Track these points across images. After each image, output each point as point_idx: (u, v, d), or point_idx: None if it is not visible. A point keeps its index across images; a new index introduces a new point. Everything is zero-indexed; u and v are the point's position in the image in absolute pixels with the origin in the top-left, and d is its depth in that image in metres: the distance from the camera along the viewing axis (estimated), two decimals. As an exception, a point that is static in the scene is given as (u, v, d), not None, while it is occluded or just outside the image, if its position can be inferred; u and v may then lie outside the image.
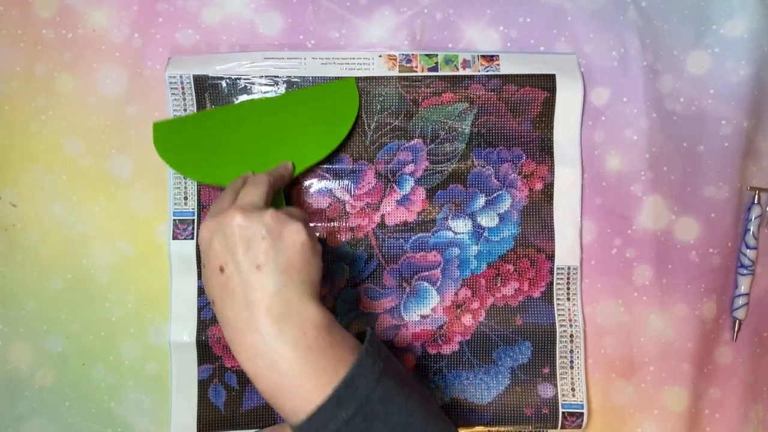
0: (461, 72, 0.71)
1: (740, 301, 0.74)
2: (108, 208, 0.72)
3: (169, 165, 0.69)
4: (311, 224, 0.72)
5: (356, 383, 0.48)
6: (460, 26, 0.73)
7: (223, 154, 0.68)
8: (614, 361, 0.74)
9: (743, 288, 0.74)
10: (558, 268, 0.73)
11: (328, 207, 0.72)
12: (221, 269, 0.52)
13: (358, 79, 0.71)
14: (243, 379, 0.72)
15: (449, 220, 0.72)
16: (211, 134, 0.69)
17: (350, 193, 0.72)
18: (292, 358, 0.49)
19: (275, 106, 0.70)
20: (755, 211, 0.73)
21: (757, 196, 0.74)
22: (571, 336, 0.73)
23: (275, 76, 0.70)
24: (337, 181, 0.72)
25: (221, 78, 0.70)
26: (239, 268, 0.51)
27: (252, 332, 0.50)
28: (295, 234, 0.53)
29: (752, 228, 0.73)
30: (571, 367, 0.73)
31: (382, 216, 0.72)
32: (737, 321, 0.74)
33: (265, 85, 0.70)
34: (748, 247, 0.74)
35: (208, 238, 0.54)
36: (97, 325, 0.73)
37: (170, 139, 0.69)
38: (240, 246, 0.52)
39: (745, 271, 0.74)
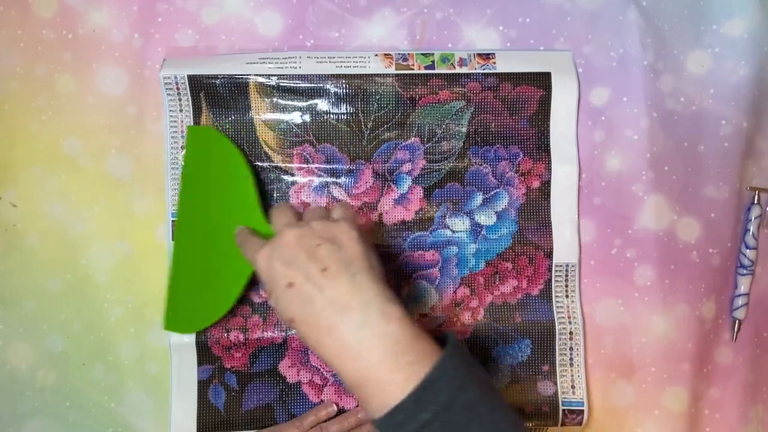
0: (458, 70, 0.71)
1: (740, 301, 0.74)
2: (108, 208, 0.72)
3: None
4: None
5: (437, 386, 0.48)
6: (460, 26, 0.73)
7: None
8: (614, 362, 0.74)
9: (743, 288, 0.74)
10: (556, 266, 0.73)
11: (325, 207, 0.72)
12: (290, 285, 0.52)
13: (354, 77, 0.71)
14: (243, 379, 0.72)
15: (447, 219, 0.72)
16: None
17: (348, 193, 0.72)
18: (378, 349, 0.49)
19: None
20: (755, 211, 0.73)
21: (756, 196, 0.74)
22: (571, 333, 0.72)
23: (270, 75, 0.70)
24: (335, 181, 0.72)
25: (216, 77, 0.70)
26: (308, 276, 0.52)
27: (336, 328, 0.50)
28: (346, 232, 0.55)
29: (752, 228, 0.73)
30: (571, 365, 0.72)
31: (380, 215, 0.72)
32: (737, 321, 0.74)
33: (260, 83, 0.70)
34: (747, 247, 0.74)
35: (267, 264, 0.54)
36: (97, 325, 0.73)
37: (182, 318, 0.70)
38: (301, 257, 0.53)
39: (744, 271, 0.74)
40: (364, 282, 0.52)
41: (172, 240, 0.71)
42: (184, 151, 0.71)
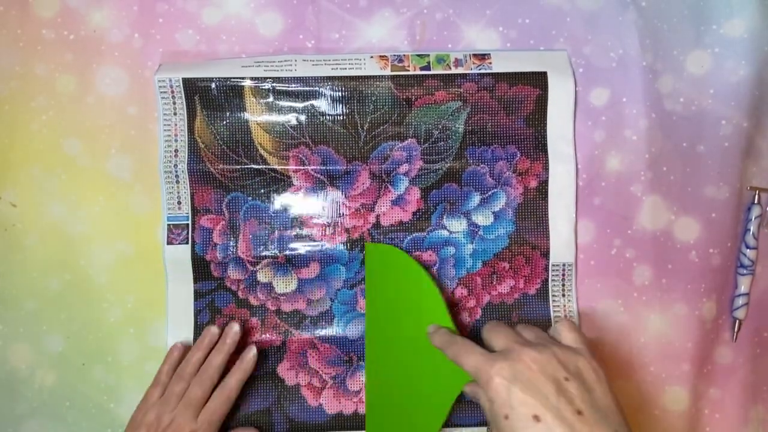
0: (453, 71, 0.71)
1: (740, 301, 0.74)
2: (108, 208, 0.73)
3: None
4: (307, 228, 0.72)
5: None
6: (459, 27, 0.73)
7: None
8: (614, 362, 0.74)
9: (743, 288, 0.74)
10: (553, 265, 0.73)
11: (322, 208, 0.72)
12: (536, 418, 0.48)
13: (350, 78, 0.71)
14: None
15: (444, 219, 0.72)
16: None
17: (345, 194, 0.72)
18: None
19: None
20: (755, 211, 0.73)
21: (757, 196, 0.73)
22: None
23: (264, 78, 0.70)
24: (332, 183, 0.72)
25: (211, 80, 0.70)
26: (559, 415, 0.48)
27: None
28: (593, 370, 0.52)
29: (752, 228, 0.73)
30: None
31: (377, 216, 0.72)
32: (737, 321, 0.74)
33: (256, 85, 0.70)
34: (748, 247, 0.73)
35: (504, 385, 0.50)
36: (96, 325, 0.73)
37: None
38: (548, 388, 0.49)
39: (744, 271, 0.74)
40: None
41: (365, 358, 0.71)
42: (363, 268, 0.72)
